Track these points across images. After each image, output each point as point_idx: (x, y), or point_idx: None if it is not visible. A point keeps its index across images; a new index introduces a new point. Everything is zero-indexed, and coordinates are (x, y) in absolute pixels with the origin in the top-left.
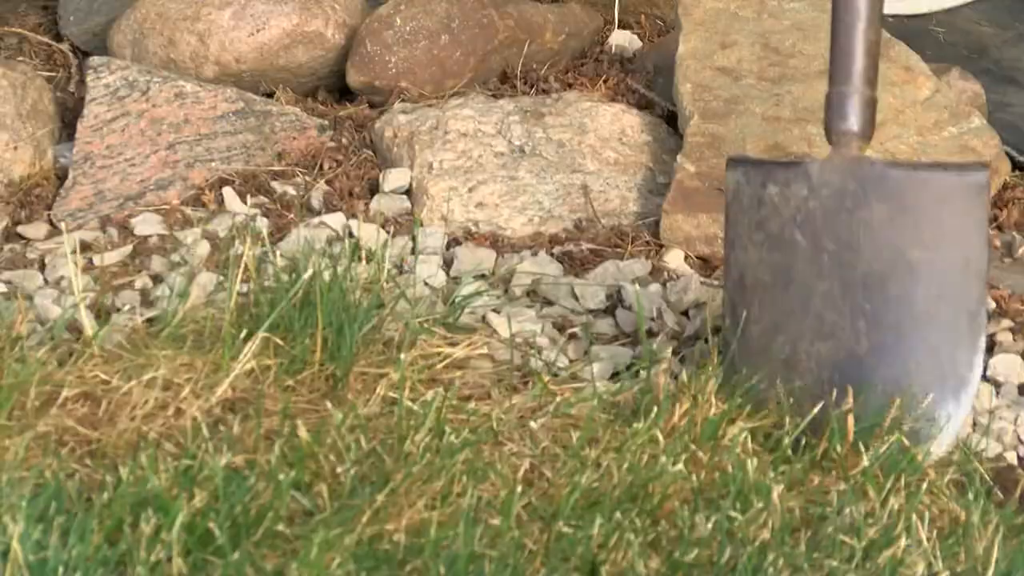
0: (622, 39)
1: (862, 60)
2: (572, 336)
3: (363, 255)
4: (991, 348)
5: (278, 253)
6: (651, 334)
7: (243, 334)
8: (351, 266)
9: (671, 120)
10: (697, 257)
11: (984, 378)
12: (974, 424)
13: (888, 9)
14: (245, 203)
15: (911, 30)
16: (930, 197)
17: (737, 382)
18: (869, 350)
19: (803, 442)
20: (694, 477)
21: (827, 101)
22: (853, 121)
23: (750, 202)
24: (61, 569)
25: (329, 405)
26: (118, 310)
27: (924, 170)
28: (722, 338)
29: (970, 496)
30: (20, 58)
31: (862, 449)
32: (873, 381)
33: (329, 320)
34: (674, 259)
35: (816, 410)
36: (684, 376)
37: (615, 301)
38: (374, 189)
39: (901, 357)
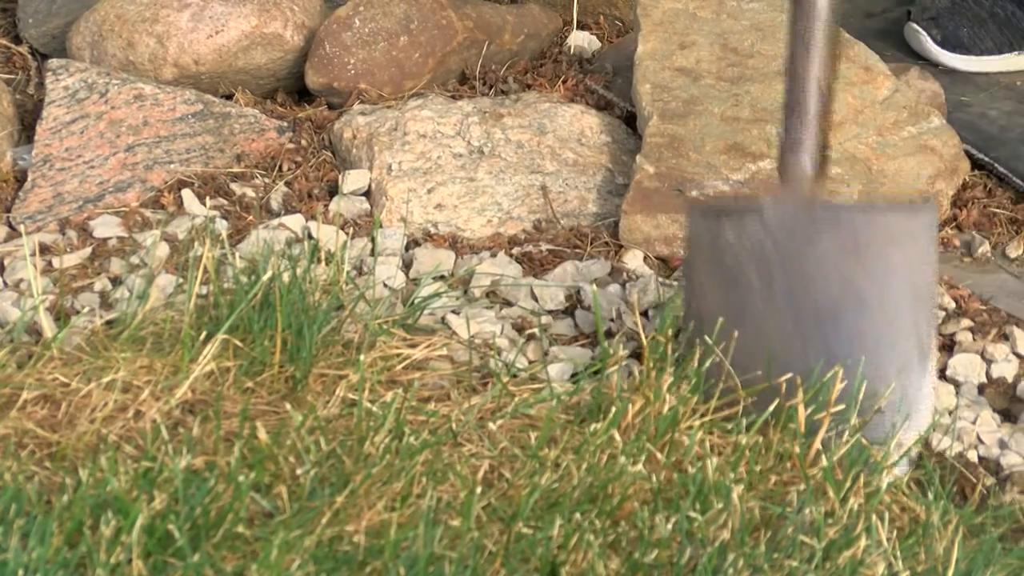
0: (581, 40)
1: (815, 101)
2: (531, 337)
3: (322, 257)
4: (951, 348)
5: (237, 255)
6: (610, 335)
7: (202, 336)
8: (310, 268)
9: (630, 121)
10: (656, 257)
11: (943, 378)
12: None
13: (951, 62)
14: (204, 205)
15: (870, 30)
16: (880, 236)
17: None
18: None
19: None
20: (653, 477)
21: (780, 141)
22: (806, 161)
23: (707, 244)
24: (21, 571)
25: (288, 407)
26: (77, 312)
27: (874, 212)
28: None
29: (930, 496)
30: None
31: (820, 447)
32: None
33: (288, 322)
34: (633, 260)
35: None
36: (637, 375)
37: (574, 302)
38: (333, 191)
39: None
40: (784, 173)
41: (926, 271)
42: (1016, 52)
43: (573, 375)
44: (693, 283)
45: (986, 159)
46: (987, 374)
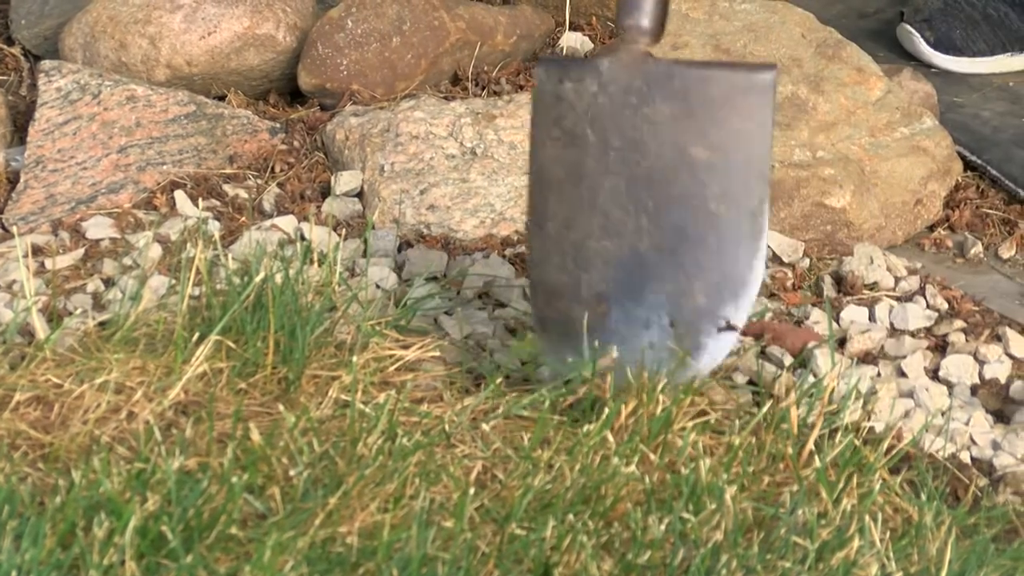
0: (574, 41)
1: None
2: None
3: (315, 258)
4: (944, 349)
5: (230, 256)
6: None
7: (195, 337)
8: (303, 269)
9: None
10: None
11: (936, 378)
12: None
13: (944, 64)
14: (197, 206)
15: (863, 31)
16: (715, 96)
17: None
18: (651, 248)
19: (753, 441)
20: (646, 478)
21: (618, 1)
22: (643, 18)
23: (550, 99)
24: (14, 573)
25: (281, 408)
26: (70, 314)
27: (709, 68)
28: (526, 236)
29: (923, 497)
30: None
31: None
32: (654, 279)
33: (281, 323)
34: None
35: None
36: (630, 375)
37: None
38: (326, 192)
39: (682, 256)
40: (622, 32)
41: (762, 137)
42: (1009, 53)
43: (567, 379)
44: (536, 137)
45: (978, 161)
46: (980, 375)
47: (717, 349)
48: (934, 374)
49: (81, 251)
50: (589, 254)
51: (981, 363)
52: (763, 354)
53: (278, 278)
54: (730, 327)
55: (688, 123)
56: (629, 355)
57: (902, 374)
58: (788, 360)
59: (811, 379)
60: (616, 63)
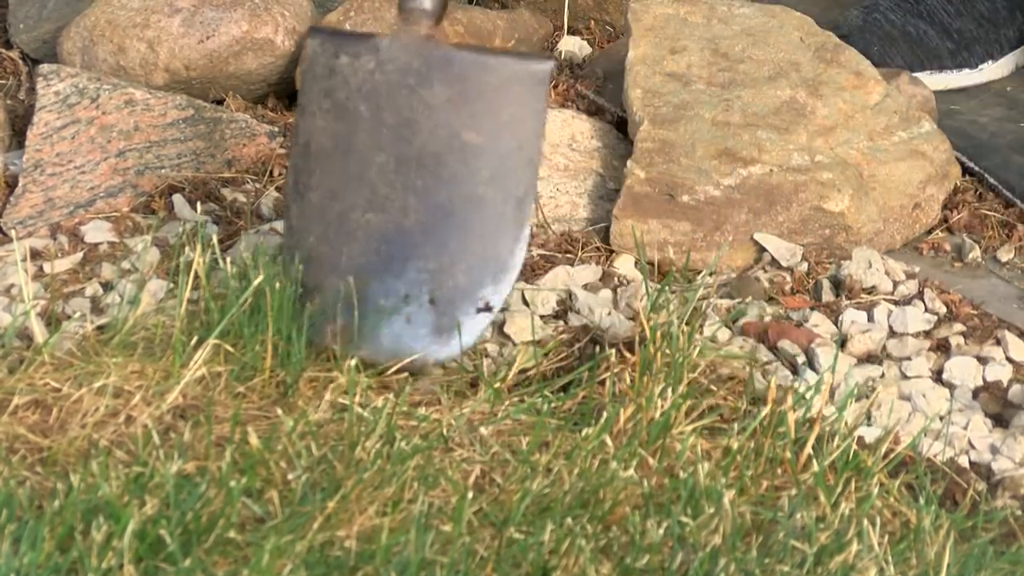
0: (572, 45)
1: None
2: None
3: None
4: (946, 350)
5: (228, 260)
6: (601, 339)
7: (193, 341)
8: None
9: (621, 126)
10: (647, 262)
11: (940, 381)
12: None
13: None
14: (195, 210)
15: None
16: (491, 82)
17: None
18: (416, 225)
19: (751, 445)
20: (645, 482)
21: None
22: (425, 1)
23: (323, 70)
24: None
25: (279, 411)
26: (68, 317)
27: (488, 55)
28: (284, 203)
29: (921, 501)
30: None
31: None
32: (417, 256)
33: (279, 327)
34: (624, 264)
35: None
36: (628, 379)
37: (566, 307)
38: None
39: (446, 236)
40: (403, 12)
41: (535, 126)
42: (928, 72)
43: (567, 384)
44: (304, 107)
45: (976, 168)
46: (983, 377)
47: (474, 329)
48: (937, 376)
49: (79, 255)
50: (352, 226)
51: (984, 364)
52: (775, 350)
53: (276, 282)
54: (487, 308)
55: (463, 107)
56: (387, 329)
57: (904, 376)
58: (800, 357)
59: (811, 380)
60: (396, 43)
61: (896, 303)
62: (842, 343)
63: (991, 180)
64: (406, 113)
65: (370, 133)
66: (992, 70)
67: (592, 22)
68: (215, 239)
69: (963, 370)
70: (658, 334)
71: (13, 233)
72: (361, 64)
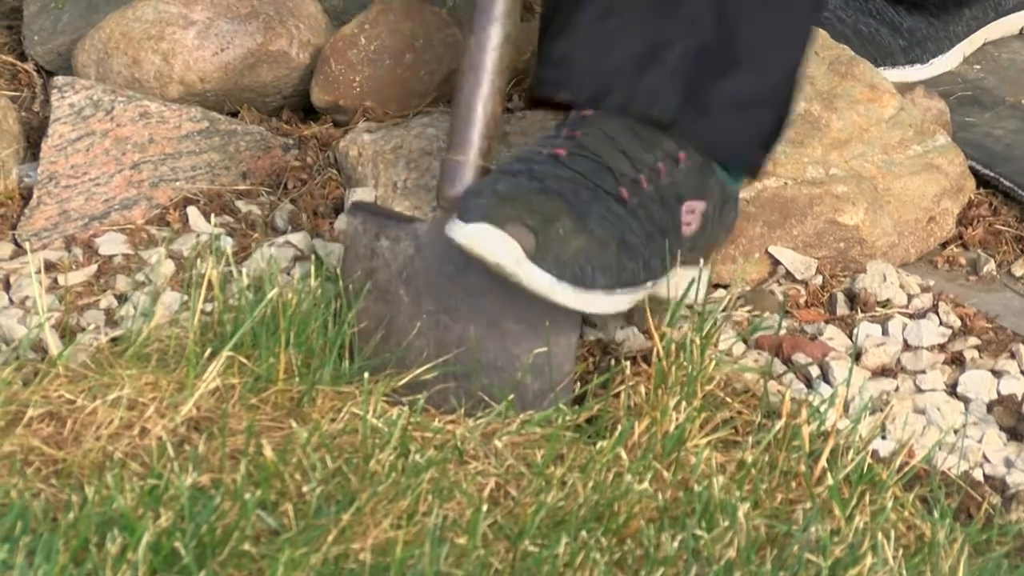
0: None
1: (480, 132)
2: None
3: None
4: (961, 364)
5: (243, 272)
6: (616, 352)
7: (207, 353)
8: (315, 285)
9: None
10: None
11: (954, 395)
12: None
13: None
14: (210, 222)
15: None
16: None
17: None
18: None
19: (766, 459)
20: (659, 495)
21: (441, 167)
22: (463, 190)
23: (365, 251)
24: None
25: (294, 423)
26: (83, 329)
27: None
28: None
29: (936, 514)
30: None
31: None
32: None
33: (293, 338)
34: None
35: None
36: (643, 392)
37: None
38: (339, 208)
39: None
40: (442, 200)
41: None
42: (882, 68)
43: (582, 397)
44: (346, 283)
45: (991, 174)
46: (997, 390)
47: None
48: (952, 389)
49: (94, 267)
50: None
51: (998, 378)
52: (789, 363)
53: (290, 294)
54: None
55: (504, 295)
56: None
57: (919, 390)
58: (815, 370)
59: (825, 393)
60: (436, 229)
61: (911, 316)
62: (857, 356)
63: (1007, 184)
64: (445, 299)
65: (411, 318)
66: (942, 64)
67: None
68: (229, 251)
69: (977, 383)
70: (673, 347)
71: (28, 245)
72: (401, 249)
